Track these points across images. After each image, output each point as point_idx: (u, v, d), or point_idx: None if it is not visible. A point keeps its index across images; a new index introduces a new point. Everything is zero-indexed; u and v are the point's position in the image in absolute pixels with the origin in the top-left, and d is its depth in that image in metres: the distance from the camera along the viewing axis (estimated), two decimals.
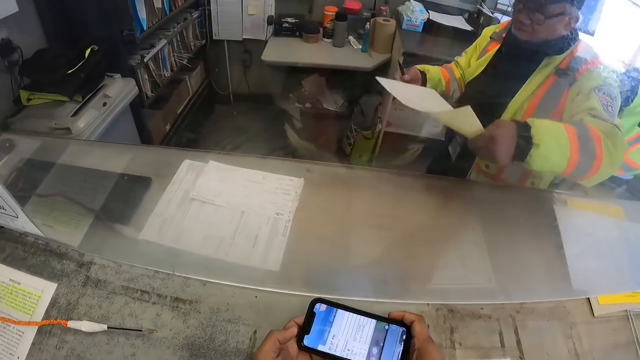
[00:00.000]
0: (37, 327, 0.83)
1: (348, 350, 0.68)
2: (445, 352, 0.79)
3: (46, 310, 0.85)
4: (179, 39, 2.83)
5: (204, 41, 3.19)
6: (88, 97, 1.97)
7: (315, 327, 0.70)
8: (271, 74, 3.15)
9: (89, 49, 2.02)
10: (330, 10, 2.89)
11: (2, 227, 0.98)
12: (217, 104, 3.61)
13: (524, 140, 0.86)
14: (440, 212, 1.02)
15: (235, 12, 3.09)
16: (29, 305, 0.87)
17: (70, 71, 1.91)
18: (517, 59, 1.28)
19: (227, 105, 3.63)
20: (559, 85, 1.18)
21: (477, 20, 2.88)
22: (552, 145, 0.88)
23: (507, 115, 1.24)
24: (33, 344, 0.81)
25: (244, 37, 3.19)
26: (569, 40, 1.19)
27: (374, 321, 0.71)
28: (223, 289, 0.85)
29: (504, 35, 1.34)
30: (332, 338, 0.69)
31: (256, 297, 0.84)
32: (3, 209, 0.86)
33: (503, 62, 1.35)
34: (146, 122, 2.50)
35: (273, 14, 3.05)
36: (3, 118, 1.89)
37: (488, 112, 1.21)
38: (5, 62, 1.88)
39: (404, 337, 0.69)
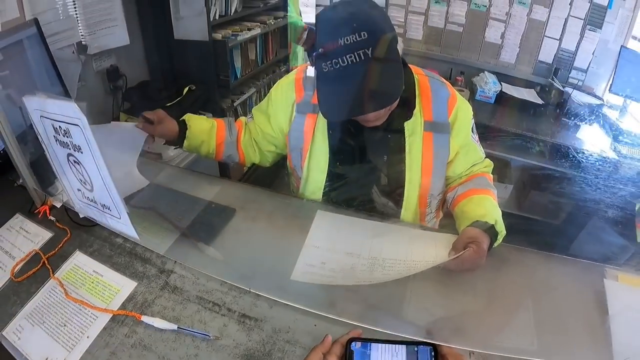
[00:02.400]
0: (111, 315, 0.92)
1: None
2: None
3: (122, 303, 0.96)
4: (266, 89, 3.07)
5: None
6: None
7: None
8: None
9: (187, 88, 2.26)
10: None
11: (95, 224, 1.13)
12: None
13: (494, 237, 1.06)
14: (492, 274, 1.05)
15: None
16: (107, 296, 0.97)
17: (168, 104, 2.15)
18: (375, 137, 1.20)
19: None
20: (440, 140, 1.19)
21: (549, 93, 2.90)
22: (500, 218, 1.10)
23: (410, 189, 1.22)
24: (104, 328, 0.90)
25: None
26: (409, 89, 1.15)
27: (403, 346, 0.73)
28: (287, 313, 0.93)
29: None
30: None
31: (315, 325, 0.91)
32: (109, 208, 0.99)
33: (359, 142, 1.21)
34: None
35: None
36: None
37: (385, 195, 1.27)
38: (111, 85, 2.17)
39: (433, 354, 0.72)
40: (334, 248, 1.10)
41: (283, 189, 1.31)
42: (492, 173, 1.32)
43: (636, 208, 2.14)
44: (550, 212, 2.90)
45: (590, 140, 2.64)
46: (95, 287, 1.00)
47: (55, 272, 1.03)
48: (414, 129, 1.17)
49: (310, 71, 1.21)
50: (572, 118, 2.73)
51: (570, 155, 2.56)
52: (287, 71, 3.29)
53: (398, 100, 1.06)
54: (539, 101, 2.83)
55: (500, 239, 1.09)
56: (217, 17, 2.45)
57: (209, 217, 1.20)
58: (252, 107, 2.91)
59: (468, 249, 1.00)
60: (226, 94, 2.64)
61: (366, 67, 0.93)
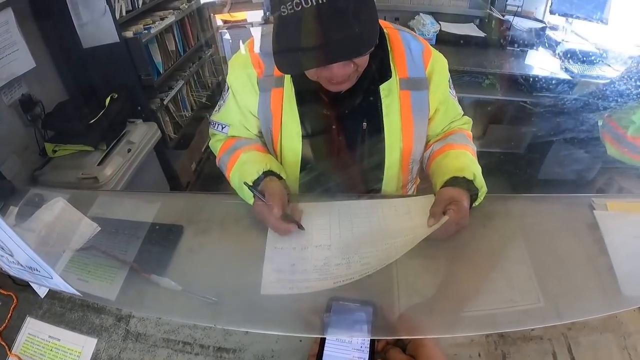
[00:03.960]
0: None
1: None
2: None
3: None
4: (195, 78, 2.90)
5: (220, 77, 3.24)
6: (112, 144, 2.03)
7: None
8: None
9: (109, 97, 2.08)
10: None
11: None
12: None
13: (474, 191, 0.97)
14: (479, 232, 0.98)
15: None
16: None
17: (92, 121, 1.96)
18: (349, 104, 1.06)
19: None
20: (419, 97, 1.09)
21: (489, 24, 2.88)
22: (480, 174, 0.99)
23: (390, 156, 1.11)
24: None
25: None
26: (382, 46, 1.04)
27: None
28: (266, 335, 0.83)
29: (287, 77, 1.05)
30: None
31: (301, 341, 0.81)
32: (37, 270, 0.85)
33: (333, 112, 1.08)
34: (172, 163, 2.56)
35: None
36: (31, 171, 1.95)
37: (367, 168, 1.16)
38: (28, 116, 1.96)
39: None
40: (300, 244, 0.97)
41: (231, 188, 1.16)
42: None
43: (599, 123, 2.16)
44: (512, 142, 2.93)
45: (540, 64, 2.65)
46: (56, 355, 0.89)
47: (12, 347, 0.91)
48: (389, 89, 1.06)
49: (265, 40, 1.08)
50: (517, 45, 2.75)
51: (522, 83, 2.56)
52: (214, 54, 3.15)
53: (369, 60, 0.94)
54: (481, 34, 2.81)
55: (481, 196, 1.00)
56: (124, 14, 2.24)
57: (155, 241, 1.05)
58: (185, 101, 2.76)
59: (448, 212, 0.90)
60: (152, 93, 2.46)
61: (335, 5, 0.78)
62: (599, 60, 2.57)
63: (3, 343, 0.91)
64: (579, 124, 2.31)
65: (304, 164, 1.14)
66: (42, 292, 0.99)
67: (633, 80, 2.14)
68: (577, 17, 2.62)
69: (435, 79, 1.09)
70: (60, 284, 0.86)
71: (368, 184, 1.18)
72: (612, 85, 2.23)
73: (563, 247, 0.93)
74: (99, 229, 1.09)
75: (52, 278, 0.85)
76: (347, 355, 0.68)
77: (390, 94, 1.05)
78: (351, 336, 0.70)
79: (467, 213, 0.93)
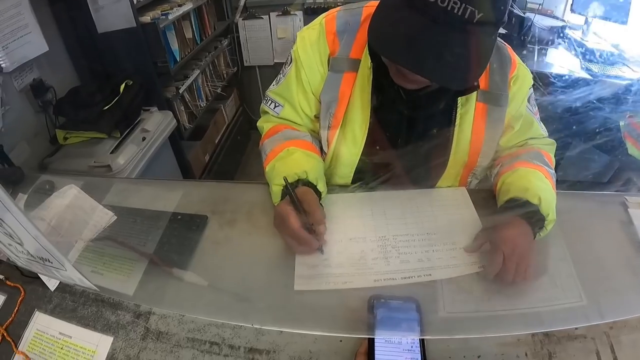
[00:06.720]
0: None
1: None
2: None
3: None
4: (211, 68, 2.85)
5: (235, 68, 3.21)
6: (126, 132, 1.97)
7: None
8: None
9: (124, 84, 2.02)
10: None
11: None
12: (253, 130, 3.60)
13: (539, 222, 0.88)
14: None
15: (264, 37, 3.09)
16: None
17: (106, 107, 1.91)
18: (424, 105, 0.99)
19: None
20: (495, 113, 1.00)
21: (510, 22, 2.79)
22: (552, 201, 0.90)
23: (452, 168, 1.06)
24: None
25: (275, 61, 3.19)
26: None
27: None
28: (302, 335, 0.77)
29: (361, 64, 0.99)
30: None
31: (341, 341, 0.76)
32: (49, 261, 0.79)
33: (407, 109, 1.00)
34: (185, 154, 2.49)
35: None
36: (41, 158, 1.91)
37: (423, 175, 1.10)
38: (39, 102, 1.90)
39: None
40: (333, 237, 0.92)
41: (252, 174, 1.10)
42: None
43: (620, 124, 2.13)
44: None
45: (560, 63, 2.60)
46: (67, 353, 0.82)
47: (18, 344, 0.84)
48: (467, 98, 0.98)
49: (347, 18, 1.00)
50: (538, 43, 2.68)
51: (543, 81, 2.50)
52: (230, 44, 3.09)
53: None
54: (502, 31, 2.72)
55: (548, 227, 0.89)
56: None
57: (177, 232, 1.00)
58: (200, 91, 2.70)
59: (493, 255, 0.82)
60: (168, 81, 2.40)
61: (469, 27, 0.72)
62: (619, 61, 2.52)
63: (9, 339, 0.85)
64: (599, 124, 2.26)
65: (362, 159, 1.07)
66: (52, 284, 0.93)
67: None
68: (600, 18, 2.57)
69: (512, 93, 1.01)
70: (75, 277, 0.80)
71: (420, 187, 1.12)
72: (634, 86, 2.19)
73: (600, 245, 0.93)
74: (115, 217, 1.04)
75: (65, 270, 0.79)
76: (400, 357, 0.65)
77: (467, 103, 0.98)
78: (401, 336, 0.66)
79: (525, 251, 0.82)
